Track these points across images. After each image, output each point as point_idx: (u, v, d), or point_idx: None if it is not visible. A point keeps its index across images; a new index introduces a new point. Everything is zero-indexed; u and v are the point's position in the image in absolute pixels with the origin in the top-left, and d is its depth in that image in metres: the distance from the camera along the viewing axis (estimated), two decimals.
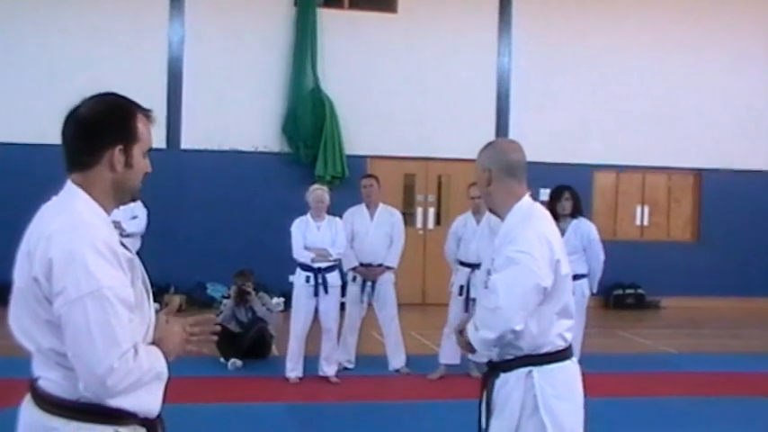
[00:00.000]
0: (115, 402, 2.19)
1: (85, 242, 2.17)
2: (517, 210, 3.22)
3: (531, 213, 3.21)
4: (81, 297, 2.12)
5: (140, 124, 2.35)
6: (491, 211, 3.34)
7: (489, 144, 3.39)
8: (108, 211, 2.34)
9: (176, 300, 2.55)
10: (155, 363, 2.27)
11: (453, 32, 13.32)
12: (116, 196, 2.36)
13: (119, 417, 2.24)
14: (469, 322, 3.17)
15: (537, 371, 3.11)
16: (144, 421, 2.31)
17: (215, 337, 2.52)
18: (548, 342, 3.12)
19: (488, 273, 3.16)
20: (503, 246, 3.14)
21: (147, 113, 2.38)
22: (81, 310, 2.12)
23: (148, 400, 2.28)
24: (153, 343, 2.32)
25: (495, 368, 3.20)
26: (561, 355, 3.16)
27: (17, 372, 2.79)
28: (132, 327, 2.21)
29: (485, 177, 3.28)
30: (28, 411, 2.28)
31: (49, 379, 2.23)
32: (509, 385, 3.13)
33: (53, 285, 2.15)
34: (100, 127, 2.30)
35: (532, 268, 3.05)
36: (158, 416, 2.36)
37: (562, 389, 3.15)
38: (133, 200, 2.41)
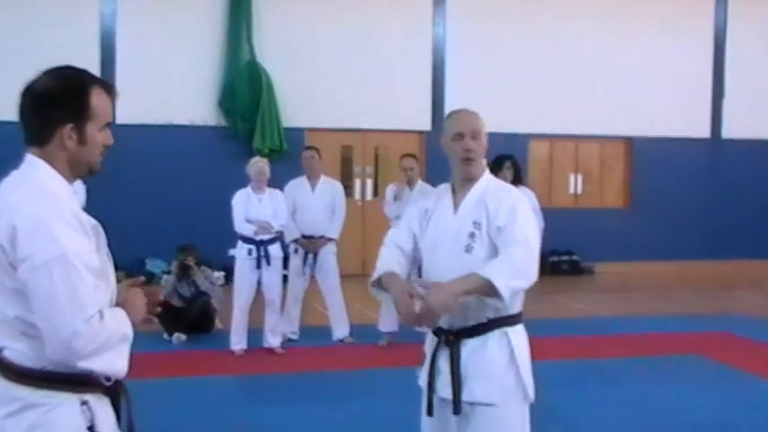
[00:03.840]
0: (83, 365, 2.21)
1: (50, 209, 2.19)
2: (490, 178, 3.38)
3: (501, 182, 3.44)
4: (46, 262, 2.14)
5: (96, 99, 2.33)
6: (466, 178, 3.32)
7: (476, 113, 3.40)
8: (69, 183, 2.35)
9: (141, 278, 2.57)
10: (121, 325, 2.29)
11: (388, 3, 13.34)
12: (73, 170, 2.36)
13: (84, 383, 2.26)
14: (493, 268, 3.06)
15: (510, 331, 3.21)
16: (107, 390, 2.34)
17: (159, 309, 2.55)
18: (516, 304, 3.22)
19: (471, 235, 3.20)
20: (502, 204, 3.20)
21: (105, 87, 2.37)
22: (46, 275, 2.14)
23: (116, 362, 2.31)
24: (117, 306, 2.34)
25: (461, 333, 3.21)
26: (520, 317, 3.28)
27: None
28: (98, 292, 2.23)
29: (486, 144, 3.36)
30: None
31: (15, 349, 2.25)
32: (490, 347, 3.18)
33: (18, 252, 2.16)
34: (51, 103, 2.29)
35: (535, 223, 3.25)
36: (121, 383, 2.39)
37: (527, 348, 3.28)
38: (92, 173, 2.41)
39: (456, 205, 3.31)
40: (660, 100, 14.48)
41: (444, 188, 3.44)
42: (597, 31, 14.19)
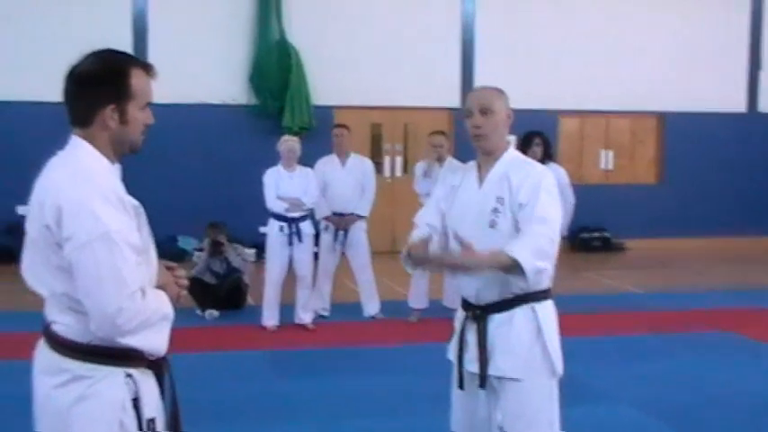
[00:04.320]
0: (125, 341, 2.29)
1: (93, 189, 2.26)
2: (515, 154, 3.39)
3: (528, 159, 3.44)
4: (90, 241, 2.21)
5: (136, 80, 2.39)
6: (484, 153, 3.34)
7: (500, 90, 3.39)
8: (112, 162, 2.42)
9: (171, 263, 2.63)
10: (161, 304, 2.37)
11: None
12: (116, 150, 2.43)
13: (129, 358, 2.34)
14: (519, 247, 3.08)
15: (537, 307, 3.25)
16: (151, 364, 2.42)
17: (185, 292, 2.59)
18: (544, 280, 3.25)
19: (495, 211, 3.23)
20: (525, 180, 3.21)
21: (145, 67, 2.44)
22: (90, 254, 2.21)
23: (156, 340, 2.39)
24: (158, 287, 2.42)
25: (489, 308, 3.26)
26: (549, 293, 3.31)
27: (30, 326, 2.87)
28: (139, 270, 2.30)
29: (507, 119, 3.34)
30: (43, 354, 2.39)
31: (63, 323, 2.33)
32: (516, 322, 3.22)
33: (63, 231, 2.24)
34: (93, 85, 2.36)
35: (558, 201, 3.26)
36: (164, 358, 2.46)
37: (555, 323, 3.31)
38: (134, 152, 2.47)
39: (481, 180, 3.34)
40: (693, 74, 14.30)
41: (471, 165, 3.48)
42: (628, 4, 14.02)
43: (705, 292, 10.20)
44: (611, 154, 14.67)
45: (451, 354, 3.43)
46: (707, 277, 11.52)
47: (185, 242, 12.13)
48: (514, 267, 3.06)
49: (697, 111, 14.39)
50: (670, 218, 14.26)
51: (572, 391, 3.71)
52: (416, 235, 3.38)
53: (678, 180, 14.51)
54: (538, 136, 7.87)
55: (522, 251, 3.06)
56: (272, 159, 8.11)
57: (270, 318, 8.01)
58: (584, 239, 13.90)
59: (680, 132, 14.45)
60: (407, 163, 13.60)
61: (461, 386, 3.36)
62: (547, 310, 3.29)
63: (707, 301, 9.46)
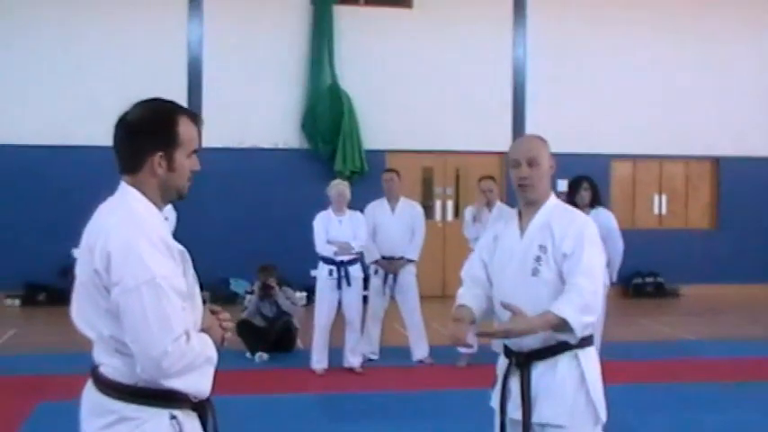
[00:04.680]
0: (170, 384, 2.34)
1: (141, 236, 2.33)
2: (556, 202, 3.41)
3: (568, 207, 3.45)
4: (137, 286, 2.28)
5: (183, 128, 2.47)
6: (527, 203, 3.36)
7: (543, 139, 3.43)
8: (159, 209, 2.49)
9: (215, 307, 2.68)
10: (205, 348, 2.42)
11: (468, 25, 13.39)
12: (163, 196, 2.51)
13: (174, 399, 2.39)
14: (566, 305, 3.11)
15: (581, 353, 3.24)
16: (195, 405, 2.46)
17: (230, 334, 2.62)
18: (588, 328, 3.25)
19: (537, 259, 3.25)
20: (568, 229, 3.23)
21: (192, 116, 2.52)
22: (137, 299, 2.28)
23: (200, 382, 2.43)
24: (202, 331, 2.47)
25: (532, 356, 3.26)
26: (591, 339, 3.31)
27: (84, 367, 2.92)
28: (185, 314, 2.36)
29: (551, 169, 3.38)
30: (90, 395, 2.45)
31: (110, 365, 2.39)
32: (560, 369, 3.22)
33: (111, 276, 2.31)
34: (142, 134, 2.44)
35: (601, 250, 3.30)
36: (208, 399, 2.50)
37: (597, 370, 3.30)
38: (180, 198, 2.55)
39: (522, 230, 3.36)
40: (747, 118, 14.14)
41: (512, 213, 3.51)
42: (680, 46, 13.95)
43: (762, 339, 9.95)
44: (664, 198, 14.51)
45: (494, 401, 3.42)
46: (763, 325, 11.25)
47: (237, 285, 12.26)
48: (563, 325, 3.10)
49: (752, 155, 14.19)
50: (724, 263, 14.01)
51: None
52: (458, 297, 3.46)
53: (733, 225, 14.27)
54: (586, 180, 7.82)
55: (569, 309, 3.10)
56: (324, 203, 8.19)
57: (319, 361, 8.03)
58: (638, 285, 13.72)
59: (735, 177, 14.25)
60: (458, 207, 13.61)
61: None
62: (590, 357, 3.28)
63: (764, 350, 9.23)
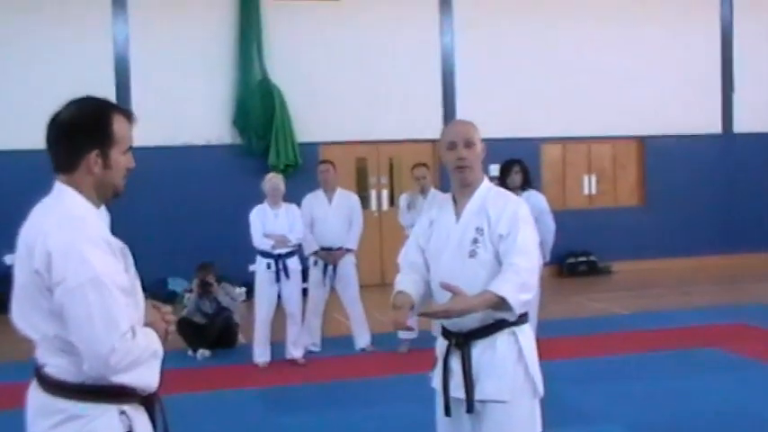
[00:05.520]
0: (118, 379, 2.36)
1: (80, 234, 2.34)
2: (490, 185, 3.51)
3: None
4: (81, 285, 2.29)
5: (117, 125, 2.48)
6: (463, 185, 3.45)
7: (474, 124, 3.52)
8: (96, 207, 2.50)
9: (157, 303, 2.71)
10: (150, 342, 2.45)
11: (396, 16, 13.50)
12: (100, 194, 2.51)
13: (122, 395, 2.42)
14: (504, 284, 3.20)
15: (517, 330, 3.35)
16: (143, 400, 2.49)
17: (173, 329, 2.66)
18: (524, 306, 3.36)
19: (474, 241, 3.35)
20: (503, 211, 3.33)
21: (125, 113, 2.53)
22: (81, 297, 2.29)
23: (147, 376, 2.47)
24: (146, 326, 2.50)
25: (471, 335, 3.35)
26: (526, 317, 3.42)
27: (22, 376, 2.87)
28: (128, 310, 2.38)
29: (483, 152, 3.48)
30: (36, 397, 2.45)
31: (55, 365, 2.40)
32: (499, 346, 3.32)
33: (53, 276, 2.31)
34: (77, 132, 2.44)
35: (534, 230, 3.40)
36: (156, 394, 2.54)
37: (533, 346, 3.42)
38: (117, 195, 2.55)
39: (458, 214, 3.46)
40: (670, 97, 14.56)
41: (446, 198, 3.60)
42: (604, 31, 14.29)
43: (690, 310, 10.31)
44: (593, 179, 14.85)
45: (436, 382, 3.51)
46: (692, 297, 11.64)
47: (175, 283, 12.18)
48: (502, 304, 3.20)
49: (675, 133, 14.62)
50: (653, 239, 14.44)
51: (563, 413, 3.81)
52: (397, 283, 3.51)
53: (660, 202, 14.71)
54: (517, 163, 7.99)
55: (507, 288, 3.20)
56: (259, 198, 8.21)
57: (261, 355, 8.07)
58: (571, 264, 14.03)
59: (660, 155, 14.68)
60: (393, 196, 13.72)
61: (448, 413, 3.43)
62: (526, 334, 3.40)
63: (691, 320, 9.58)
